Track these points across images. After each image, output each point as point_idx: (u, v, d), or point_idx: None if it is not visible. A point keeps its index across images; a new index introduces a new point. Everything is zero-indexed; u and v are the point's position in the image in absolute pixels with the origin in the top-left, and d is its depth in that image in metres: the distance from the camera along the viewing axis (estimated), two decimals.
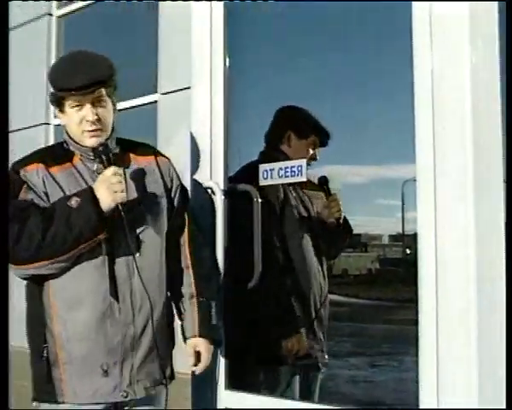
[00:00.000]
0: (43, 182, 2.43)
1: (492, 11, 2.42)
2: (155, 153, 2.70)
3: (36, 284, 2.46)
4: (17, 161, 2.51)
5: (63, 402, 2.41)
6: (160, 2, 4.66)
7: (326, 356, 3.23)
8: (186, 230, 2.68)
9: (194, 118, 3.10)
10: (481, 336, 2.33)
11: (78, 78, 2.41)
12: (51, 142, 5.63)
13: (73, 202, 2.33)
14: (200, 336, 2.62)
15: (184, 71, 3.23)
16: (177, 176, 2.72)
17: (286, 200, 3.18)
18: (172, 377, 2.66)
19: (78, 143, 2.51)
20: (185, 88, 3.43)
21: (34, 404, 2.50)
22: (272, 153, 3.19)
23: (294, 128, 3.21)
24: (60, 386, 2.41)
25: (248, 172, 3.11)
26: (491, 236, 2.38)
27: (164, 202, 2.60)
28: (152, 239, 2.54)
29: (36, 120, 5.78)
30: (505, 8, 2.43)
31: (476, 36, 2.40)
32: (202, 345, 2.63)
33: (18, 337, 5.06)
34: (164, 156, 2.72)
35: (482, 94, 2.39)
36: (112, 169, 2.39)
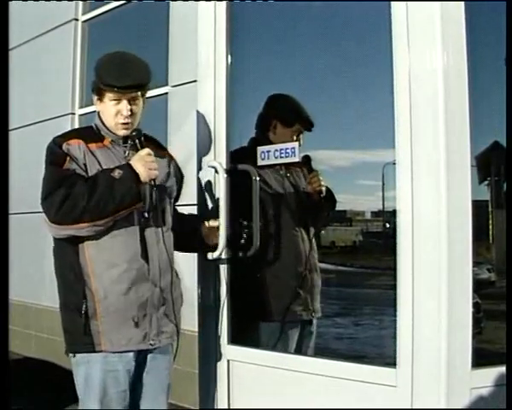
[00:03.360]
0: (84, 155, 2.44)
1: (460, 11, 2.41)
2: (166, 149, 2.76)
3: (71, 246, 2.43)
4: (58, 135, 2.50)
5: (101, 351, 2.40)
6: (171, 5, 4.63)
7: (313, 314, 3.18)
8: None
9: (201, 107, 3.08)
10: (452, 300, 2.34)
11: (122, 78, 2.43)
12: None
13: (116, 173, 2.35)
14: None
15: (192, 66, 3.20)
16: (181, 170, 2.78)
17: (272, 178, 3.15)
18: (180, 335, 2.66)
19: (109, 130, 2.52)
20: (192, 81, 3.40)
21: (70, 356, 2.49)
22: (260, 139, 3.16)
23: (280, 117, 3.15)
24: (98, 337, 2.40)
25: (248, 154, 3.08)
26: (459, 211, 2.38)
27: (174, 187, 2.66)
28: (168, 214, 2.59)
29: (63, 111, 5.75)
30: (505, 8, 2.41)
31: (447, 35, 2.40)
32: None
33: (50, 298, 5.09)
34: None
35: (453, 87, 2.39)
36: (146, 150, 2.44)
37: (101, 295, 2.40)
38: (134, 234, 2.44)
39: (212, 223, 2.78)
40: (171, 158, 2.71)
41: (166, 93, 4.69)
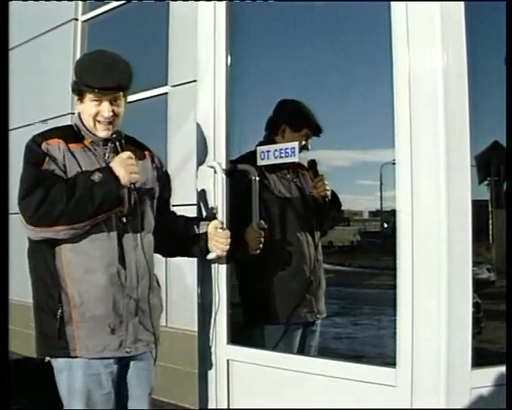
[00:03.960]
0: (64, 156, 2.37)
1: (460, 11, 2.41)
2: (149, 149, 2.68)
3: (48, 249, 2.37)
4: (38, 134, 2.43)
5: (76, 357, 2.36)
6: (171, 4, 4.62)
7: (318, 315, 3.18)
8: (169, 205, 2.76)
9: (200, 107, 3.07)
10: (452, 300, 2.34)
11: (103, 79, 2.38)
12: None
13: (96, 176, 2.29)
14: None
15: (191, 66, 3.20)
16: (165, 167, 2.76)
17: (280, 180, 3.15)
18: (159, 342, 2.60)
19: (89, 131, 2.47)
20: (192, 81, 3.39)
21: (47, 359, 2.46)
22: (268, 142, 3.13)
23: (289, 122, 3.14)
24: (73, 342, 2.35)
25: (247, 154, 3.09)
26: (459, 211, 2.38)
27: (156, 188, 2.60)
28: (149, 218, 2.53)
29: (63, 111, 5.74)
30: (505, 8, 2.41)
31: (447, 35, 2.40)
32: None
33: None
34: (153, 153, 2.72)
35: (452, 87, 2.39)
36: (127, 153, 2.38)
37: (78, 300, 2.34)
38: (112, 239, 2.39)
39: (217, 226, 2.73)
40: (152, 158, 2.65)
41: (166, 93, 4.68)
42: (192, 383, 3.11)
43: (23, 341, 5.82)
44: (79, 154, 2.41)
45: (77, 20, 5.95)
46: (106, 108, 2.41)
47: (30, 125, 5.94)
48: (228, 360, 2.93)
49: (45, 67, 6.04)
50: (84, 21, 5.95)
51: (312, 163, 3.13)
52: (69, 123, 2.59)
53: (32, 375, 5.11)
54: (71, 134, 2.46)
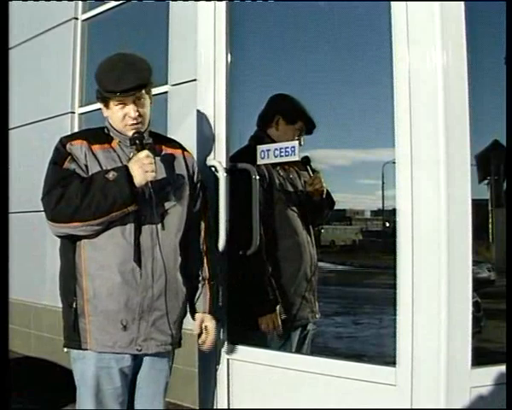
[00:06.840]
0: (85, 156, 2.44)
1: (460, 10, 2.42)
2: (182, 148, 2.69)
3: (70, 244, 2.45)
4: (65, 136, 2.52)
5: (86, 349, 2.41)
6: (171, 4, 4.62)
7: (317, 315, 3.20)
8: (204, 219, 2.67)
9: (200, 106, 3.08)
10: (451, 299, 2.35)
11: (123, 82, 2.41)
12: (76, 129, 5.57)
13: (110, 175, 2.34)
14: (209, 313, 2.62)
15: (191, 65, 3.21)
16: (199, 171, 2.71)
17: (275, 178, 3.14)
18: (179, 345, 2.62)
19: (119, 132, 2.51)
20: (192, 80, 3.40)
21: (65, 350, 2.51)
22: (261, 135, 3.17)
23: (283, 114, 3.15)
24: (85, 335, 2.41)
25: (247, 153, 3.08)
26: (459, 210, 2.39)
27: (187, 189, 2.58)
28: (174, 218, 2.52)
29: (63, 110, 5.74)
30: (505, 8, 2.42)
31: (447, 34, 2.41)
32: (210, 321, 2.62)
33: (50, 297, 5.08)
34: (189, 153, 2.71)
35: (452, 86, 2.40)
36: (145, 152, 2.40)
37: (91, 294, 2.40)
38: (128, 236, 2.42)
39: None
40: (185, 157, 2.64)
41: (166, 92, 4.68)
42: (192, 383, 3.11)
43: (23, 341, 5.84)
44: (102, 154, 2.46)
45: (77, 19, 5.95)
46: (132, 110, 2.45)
47: (30, 124, 5.96)
48: (228, 360, 2.94)
49: (45, 67, 6.04)
50: (84, 21, 5.95)
51: (306, 159, 3.13)
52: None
53: (32, 375, 5.13)
54: (99, 136, 2.52)
